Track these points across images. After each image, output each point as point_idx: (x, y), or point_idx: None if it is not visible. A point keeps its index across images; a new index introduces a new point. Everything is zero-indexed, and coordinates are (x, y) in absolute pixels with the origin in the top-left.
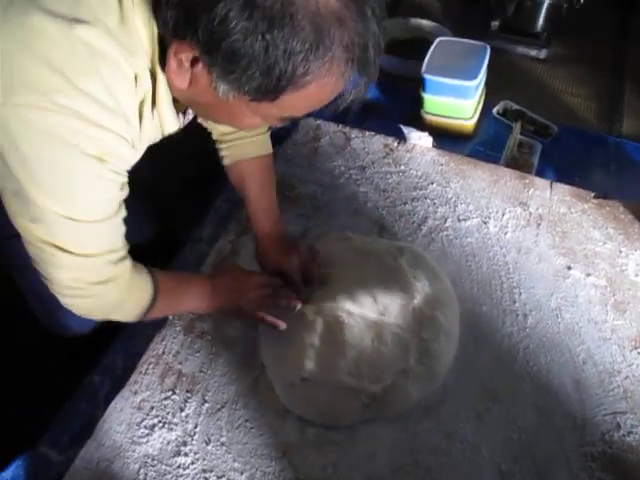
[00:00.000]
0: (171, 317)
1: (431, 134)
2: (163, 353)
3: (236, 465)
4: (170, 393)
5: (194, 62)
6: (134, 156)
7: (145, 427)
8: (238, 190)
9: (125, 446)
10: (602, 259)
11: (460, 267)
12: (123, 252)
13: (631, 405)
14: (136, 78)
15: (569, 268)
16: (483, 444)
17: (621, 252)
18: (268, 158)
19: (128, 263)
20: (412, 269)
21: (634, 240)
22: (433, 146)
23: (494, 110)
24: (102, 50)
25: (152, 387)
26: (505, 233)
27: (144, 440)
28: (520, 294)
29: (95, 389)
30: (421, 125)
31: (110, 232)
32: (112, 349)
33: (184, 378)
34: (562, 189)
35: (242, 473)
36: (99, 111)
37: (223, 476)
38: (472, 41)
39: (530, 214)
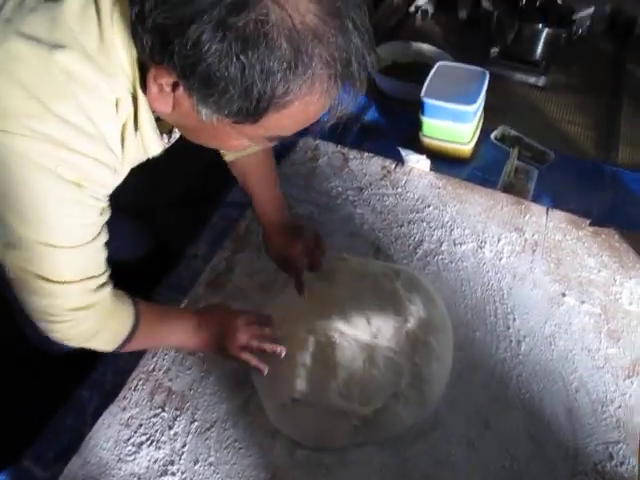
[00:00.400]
0: None
1: (429, 157)
2: (153, 370)
3: None
4: (159, 410)
5: (175, 86)
6: (115, 180)
7: (132, 445)
8: (242, 184)
9: (111, 464)
10: (596, 287)
11: (455, 291)
12: (103, 279)
13: (624, 435)
14: (117, 102)
15: (564, 295)
16: (474, 471)
17: (615, 280)
18: (268, 151)
19: (108, 290)
20: (407, 292)
21: (629, 269)
22: (431, 169)
23: (492, 135)
24: (80, 75)
25: (141, 404)
26: (500, 258)
27: (131, 458)
28: (514, 320)
29: (83, 404)
30: (419, 148)
31: (89, 258)
32: (102, 364)
33: (174, 396)
34: (558, 216)
35: None
36: (76, 136)
37: None
38: (472, 66)
39: (526, 240)
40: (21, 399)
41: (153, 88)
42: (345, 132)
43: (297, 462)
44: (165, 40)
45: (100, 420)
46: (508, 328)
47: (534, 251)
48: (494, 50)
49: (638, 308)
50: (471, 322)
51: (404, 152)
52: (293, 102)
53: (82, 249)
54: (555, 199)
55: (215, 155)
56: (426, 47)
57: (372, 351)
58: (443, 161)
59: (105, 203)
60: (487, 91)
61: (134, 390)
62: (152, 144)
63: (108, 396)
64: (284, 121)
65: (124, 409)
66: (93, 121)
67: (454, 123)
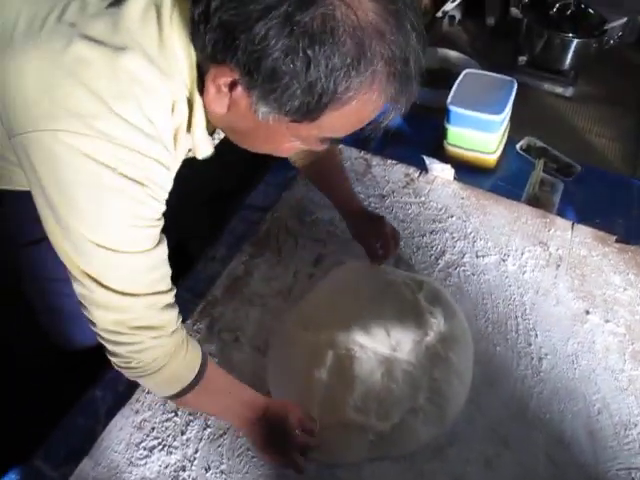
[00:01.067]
0: None
1: (453, 166)
2: None
3: None
4: (172, 415)
5: (232, 86)
6: (170, 181)
7: (144, 448)
8: (315, 184)
9: (122, 467)
10: (622, 306)
11: (476, 305)
12: (169, 298)
13: None
14: (173, 104)
15: (587, 313)
16: None
17: None
18: (332, 149)
19: (176, 313)
20: (429, 304)
21: None
22: (455, 178)
23: (517, 146)
24: (141, 77)
25: (154, 407)
26: (523, 272)
27: (142, 462)
28: (536, 336)
29: (96, 404)
30: (443, 156)
31: (154, 268)
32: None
33: None
34: (583, 231)
35: None
36: (137, 136)
37: None
38: (499, 75)
39: (550, 254)
40: (34, 398)
41: (211, 89)
42: (367, 138)
43: (310, 476)
44: (230, 37)
45: (113, 422)
46: (529, 344)
47: (558, 266)
48: (522, 59)
49: None
50: (492, 337)
51: (428, 160)
52: (352, 100)
53: (146, 256)
54: (581, 213)
55: (236, 156)
56: (453, 54)
57: (390, 365)
58: (467, 170)
59: (163, 206)
60: (513, 100)
61: (147, 393)
62: (204, 146)
63: (121, 397)
64: (340, 120)
65: (137, 412)
66: (152, 122)
67: (480, 132)
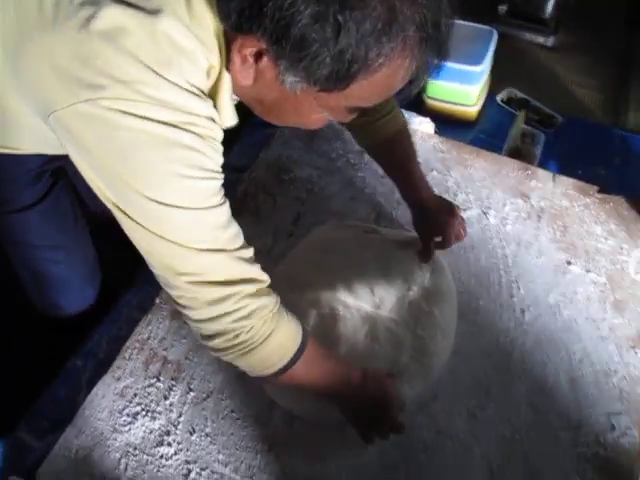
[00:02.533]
0: (158, 300)
1: (433, 120)
2: (148, 338)
3: (220, 457)
4: (154, 380)
5: (258, 56)
6: (222, 136)
7: (127, 415)
8: (382, 166)
9: (106, 434)
10: (603, 255)
11: (458, 259)
12: (251, 253)
13: (626, 406)
14: (208, 70)
15: (569, 263)
16: (475, 442)
17: (622, 249)
18: (403, 131)
19: (264, 275)
20: (415, 260)
21: (636, 238)
22: (435, 132)
23: (498, 97)
24: (181, 42)
25: (136, 373)
26: (505, 225)
27: (126, 428)
28: (519, 288)
29: (77, 374)
30: (423, 110)
31: (226, 223)
32: (96, 332)
33: (169, 365)
34: (565, 182)
35: (226, 465)
36: (187, 99)
37: (207, 468)
38: (478, 25)
39: (531, 206)
40: (14, 369)
41: (237, 60)
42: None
43: (295, 433)
44: (257, 5)
45: (94, 390)
46: (512, 296)
47: (540, 218)
48: (502, 8)
49: None
50: (474, 290)
51: (407, 114)
52: (383, 66)
53: (218, 211)
54: (562, 165)
55: None
56: None
57: (374, 323)
58: (447, 124)
59: (222, 158)
60: (494, 51)
61: (128, 360)
62: (229, 116)
63: (102, 366)
64: (370, 88)
65: (118, 379)
66: (194, 85)
67: (459, 84)
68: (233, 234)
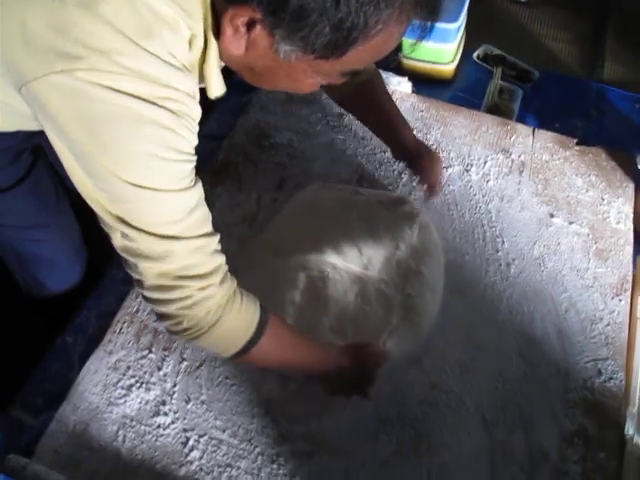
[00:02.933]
0: None
1: (410, 79)
2: (137, 311)
3: (217, 423)
4: (146, 352)
5: (251, 25)
6: (199, 113)
7: (122, 388)
8: (358, 116)
9: (102, 408)
10: (584, 207)
11: (442, 216)
12: (214, 243)
13: (612, 352)
14: (191, 39)
15: (552, 216)
16: (468, 394)
17: (603, 200)
18: (374, 76)
19: (222, 261)
20: (402, 219)
21: (616, 188)
22: (412, 92)
23: (474, 55)
24: (161, 11)
25: (127, 346)
26: (487, 181)
27: (121, 401)
28: (503, 243)
29: (68, 350)
30: (400, 70)
31: (193, 208)
32: (84, 307)
33: (160, 336)
34: (544, 136)
35: (224, 431)
36: (167, 71)
37: (204, 434)
38: None
39: (512, 161)
40: (5, 347)
41: (228, 30)
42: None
43: (290, 394)
44: None
45: (87, 365)
46: (497, 251)
47: (521, 172)
48: None
49: (625, 227)
50: (460, 246)
51: (384, 74)
52: (380, 32)
53: (185, 195)
54: (540, 119)
55: None
56: None
57: (364, 284)
58: (425, 83)
59: (196, 139)
60: (467, 8)
61: (119, 333)
62: (216, 85)
63: (93, 341)
64: (365, 53)
65: (110, 353)
66: (175, 57)
67: (435, 42)
68: (199, 219)
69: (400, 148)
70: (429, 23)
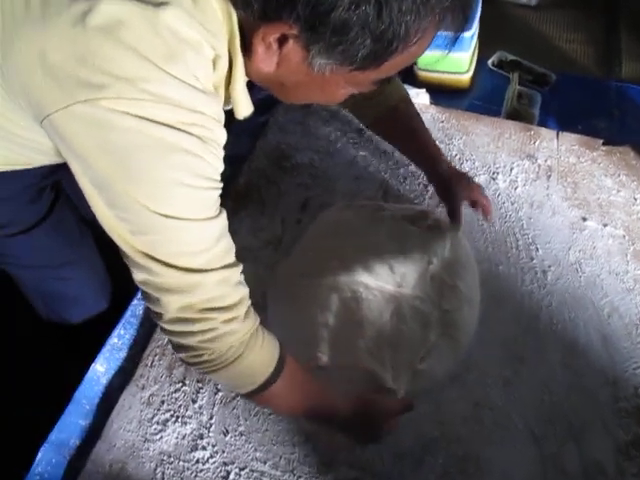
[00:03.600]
0: None
1: (427, 91)
2: (168, 343)
3: (258, 454)
4: (180, 385)
5: (282, 41)
6: (225, 137)
7: (157, 423)
8: (390, 140)
9: (138, 445)
10: (617, 208)
11: (472, 227)
12: (237, 274)
13: None
14: (214, 60)
15: (584, 219)
16: (513, 409)
17: (636, 199)
18: (406, 99)
19: (246, 293)
20: (431, 233)
21: None
22: (431, 103)
23: (489, 62)
24: (185, 34)
25: (160, 380)
26: (515, 188)
27: (157, 437)
28: (537, 250)
29: (100, 382)
30: (416, 82)
31: (218, 238)
32: (111, 338)
33: (193, 368)
34: (569, 138)
35: (265, 462)
36: (194, 96)
37: (245, 467)
38: None
39: (539, 166)
40: (35, 381)
41: (259, 48)
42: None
43: None
44: None
45: (120, 402)
46: (532, 259)
47: (549, 177)
48: None
49: None
50: (493, 256)
51: None
52: (419, 40)
53: (211, 224)
54: (562, 122)
55: None
56: None
57: (399, 302)
58: (441, 94)
59: (222, 165)
60: (480, 17)
61: (151, 367)
62: (244, 104)
63: (124, 374)
64: (401, 61)
65: (143, 388)
66: (200, 79)
67: (451, 52)
68: (224, 250)
69: (436, 175)
70: (459, 33)
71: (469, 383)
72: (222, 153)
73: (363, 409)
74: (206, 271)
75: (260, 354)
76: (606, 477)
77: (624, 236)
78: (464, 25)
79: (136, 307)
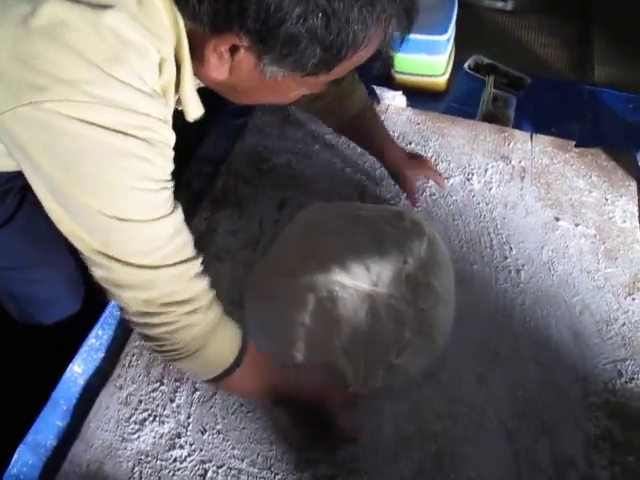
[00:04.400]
0: None
1: (404, 93)
2: None
3: (235, 452)
4: (158, 384)
5: (234, 50)
6: (173, 138)
7: (135, 422)
8: (356, 143)
9: (115, 445)
10: (589, 208)
11: (447, 227)
12: (196, 267)
13: (630, 352)
14: (161, 63)
15: (557, 219)
16: (488, 405)
17: (607, 200)
18: (366, 107)
19: (206, 284)
20: (407, 233)
21: (618, 187)
22: (407, 105)
23: (465, 65)
24: (130, 36)
25: (138, 380)
26: (490, 189)
27: (135, 436)
28: (511, 249)
29: (77, 382)
30: (393, 85)
31: (172, 234)
32: (88, 339)
33: (171, 367)
34: (542, 140)
35: (243, 460)
36: (139, 98)
37: (223, 465)
38: None
39: (513, 167)
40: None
41: (212, 58)
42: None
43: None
44: (235, 8)
45: (97, 402)
46: (505, 258)
47: (523, 178)
48: None
49: (632, 225)
50: (467, 256)
51: (379, 90)
52: (366, 45)
53: (164, 222)
54: (536, 124)
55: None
56: None
57: (374, 301)
58: (418, 96)
59: (172, 165)
60: (456, 21)
61: (128, 367)
62: (193, 108)
63: (100, 374)
64: (350, 64)
65: (121, 387)
66: (146, 82)
67: (426, 55)
68: (180, 245)
69: (390, 163)
70: (406, 35)
71: (444, 380)
72: (171, 153)
73: (320, 395)
74: (161, 267)
75: (222, 343)
76: (577, 470)
77: (595, 235)
78: (410, 27)
79: (114, 308)
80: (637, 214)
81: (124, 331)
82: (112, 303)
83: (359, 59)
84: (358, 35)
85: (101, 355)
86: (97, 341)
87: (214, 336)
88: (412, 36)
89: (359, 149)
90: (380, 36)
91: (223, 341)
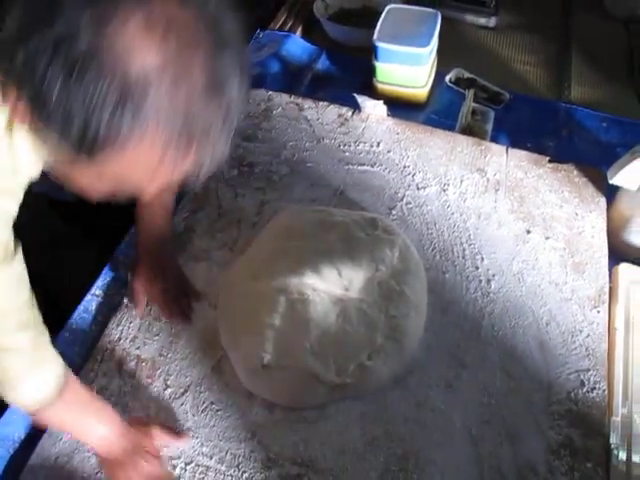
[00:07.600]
0: (126, 300)
1: (385, 104)
2: (119, 339)
3: (204, 450)
4: (130, 379)
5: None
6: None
7: None
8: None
9: None
10: (559, 222)
11: (421, 235)
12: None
13: (593, 362)
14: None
15: (528, 232)
16: (454, 410)
17: (577, 214)
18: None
19: (30, 335)
20: (381, 240)
21: (588, 203)
22: (388, 115)
23: (446, 78)
24: None
25: (110, 374)
26: (464, 200)
27: None
28: (482, 260)
29: None
30: (374, 95)
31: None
32: (60, 338)
33: (143, 364)
34: (518, 154)
35: (211, 457)
36: None
37: (191, 462)
38: (422, 8)
39: (488, 180)
40: None
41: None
42: (296, 83)
43: (276, 419)
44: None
45: None
46: (477, 268)
47: (497, 190)
48: None
49: (600, 240)
50: (440, 264)
51: (360, 99)
52: (128, 146)
53: None
54: (513, 139)
55: None
56: None
57: (344, 305)
58: (399, 107)
59: (15, 213)
60: (438, 35)
61: (101, 362)
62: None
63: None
64: (124, 167)
65: (92, 382)
66: None
67: (408, 66)
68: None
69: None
70: (203, 158)
71: (412, 385)
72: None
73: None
74: None
75: (36, 382)
76: (537, 476)
77: (565, 249)
78: (189, 150)
79: (89, 302)
80: (605, 229)
81: (98, 326)
82: (88, 297)
83: (138, 167)
84: (102, 126)
85: (76, 349)
86: (71, 335)
87: (31, 375)
88: (395, 47)
89: (338, 156)
90: (154, 151)
91: (39, 377)
